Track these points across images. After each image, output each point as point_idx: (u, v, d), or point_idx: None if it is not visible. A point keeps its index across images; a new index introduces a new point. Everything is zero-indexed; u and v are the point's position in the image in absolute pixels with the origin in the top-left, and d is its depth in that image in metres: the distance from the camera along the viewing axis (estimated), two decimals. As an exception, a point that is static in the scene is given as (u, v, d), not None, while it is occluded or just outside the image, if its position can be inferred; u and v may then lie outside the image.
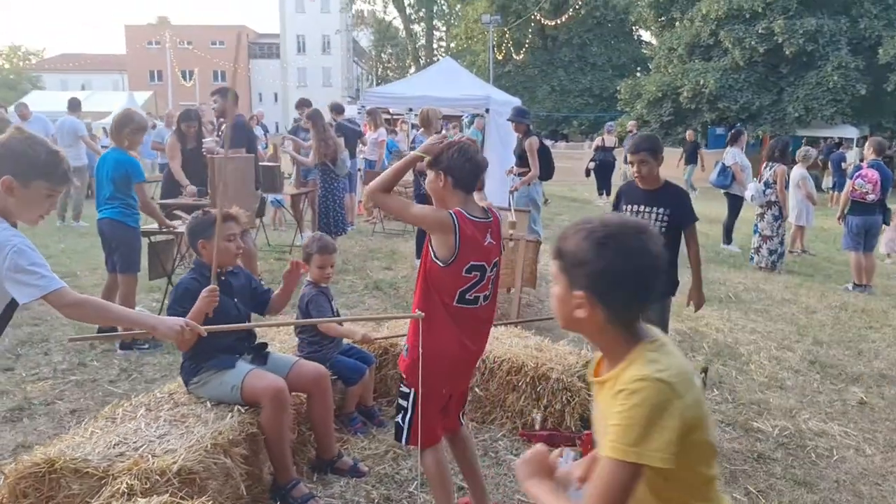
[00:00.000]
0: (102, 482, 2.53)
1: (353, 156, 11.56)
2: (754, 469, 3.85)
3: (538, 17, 33.47)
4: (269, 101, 62.30)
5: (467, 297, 2.77)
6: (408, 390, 2.84)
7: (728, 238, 11.02)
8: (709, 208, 15.82)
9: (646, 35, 39.93)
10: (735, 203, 10.70)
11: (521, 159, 8.04)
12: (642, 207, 4.12)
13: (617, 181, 17.07)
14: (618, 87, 30.57)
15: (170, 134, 8.30)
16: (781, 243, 9.36)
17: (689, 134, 19.13)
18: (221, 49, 61.37)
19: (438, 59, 40.04)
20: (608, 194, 16.70)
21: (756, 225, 9.65)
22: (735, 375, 5.31)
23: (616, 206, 4.36)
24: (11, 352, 5.10)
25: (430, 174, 2.81)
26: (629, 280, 1.53)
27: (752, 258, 9.66)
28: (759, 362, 5.63)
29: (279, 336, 4.29)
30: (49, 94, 41.36)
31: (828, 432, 4.38)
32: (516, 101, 13.98)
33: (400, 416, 2.90)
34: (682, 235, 4.14)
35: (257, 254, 6.26)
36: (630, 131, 17.04)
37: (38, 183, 2.36)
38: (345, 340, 4.09)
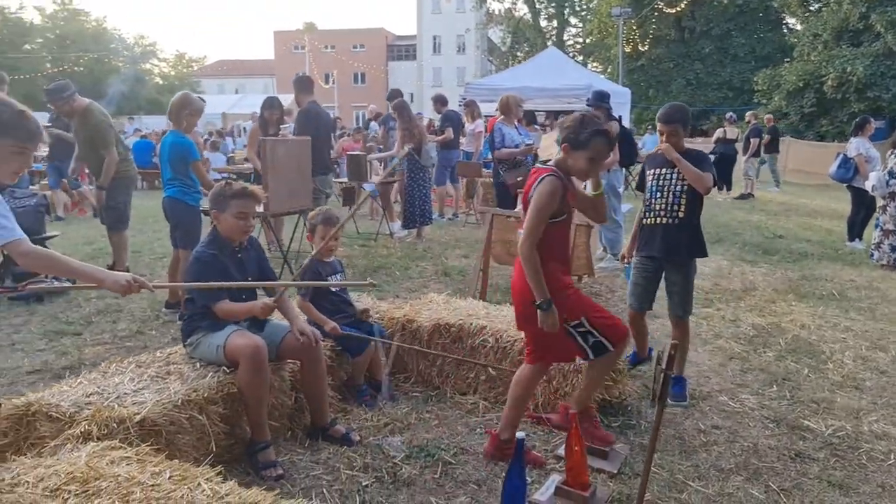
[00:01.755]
0: (66, 426, 2.69)
1: (457, 146, 11.63)
2: (785, 467, 3.50)
3: (660, 6, 32.16)
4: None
5: None
6: (579, 320, 3.28)
7: (852, 235, 10.09)
8: (835, 202, 14.62)
9: (794, 22, 37.37)
10: (860, 197, 9.80)
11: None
12: (664, 171, 4.25)
13: (738, 177, 16.11)
14: (755, 78, 28.81)
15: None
16: (906, 238, 8.46)
17: (767, 118, 17.81)
18: (361, 52, 63.69)
19: (572, 57, 39.49)
20: (728, 189, 15.78)
21: (878, 218, 8.79)
22: (806, 373, 4.85)
23: (641, 175, 4.53)
24: (86, 319, 5.55)
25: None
26: None
27: (871, 254, 8.81)
28: (839, 361, 5.11)
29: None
30: (206, 97, 44.66)
31: (891, 435, 3.91)
32: (623, 91, 13.53)
33: (593, 340, 3.31)
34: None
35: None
36: (748, 122, 15.98)
37: (4, 141, 2.54)
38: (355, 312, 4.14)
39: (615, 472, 3.37)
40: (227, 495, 2.18)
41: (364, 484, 3.16)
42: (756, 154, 15.64)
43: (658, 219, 4.27)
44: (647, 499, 3.11)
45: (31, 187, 9.35)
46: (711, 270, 8.00)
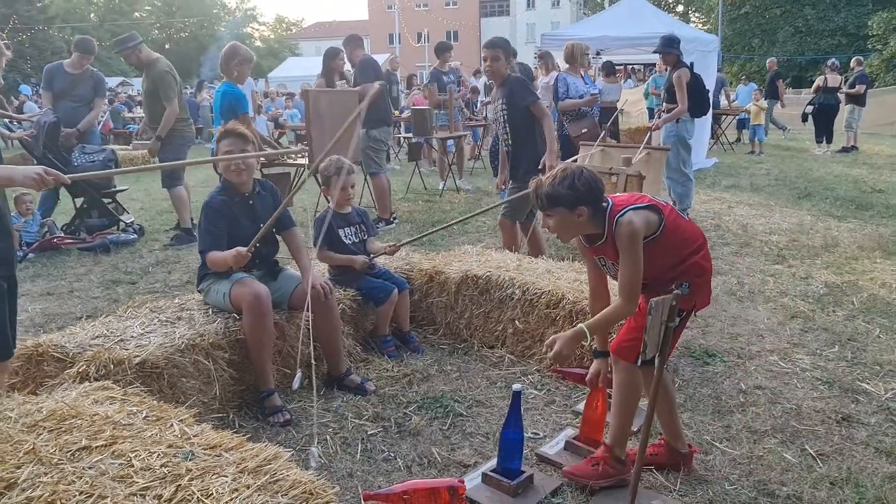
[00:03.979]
0: (68, 366, 2.77)
1: (524, 99, 11.34)
2: (828, 431, 3.21)
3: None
4: (498, 58, 62.71)
5: None
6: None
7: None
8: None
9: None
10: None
11: (670, 94, 7.32)
12: (495, 103, 5.05)
13: (839, 128, 15.00)
14: (869, 22, 26.61)
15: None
16: None
17: (769, 62, 16.52)
18: (454, 10, 62.96)
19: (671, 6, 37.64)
20: (829, 142, 14.71)
21: None
22: (877, 334, 4.46)
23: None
24: (144, 269, 5.75)
25: (564, 213, 2.56)
26: None
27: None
28: (919, 322, 4.68)
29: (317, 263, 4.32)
30: (304, 59, 45.44)
31: (960, 403, 3.54)
32: (709, 38, 12.76)
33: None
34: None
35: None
36: (853, 68, 14.75)
37: None
38: (379, 264, 4.08)
39: (634, 430, 3.19)
40: (195, 436, 2.17)
41: (369, 433, 3.12)
42: (860, 102, 14.47)
43: (505, 147, 5.14)
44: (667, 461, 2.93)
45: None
46: (790, 225, 7.48)
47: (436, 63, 10.29)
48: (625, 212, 2.54)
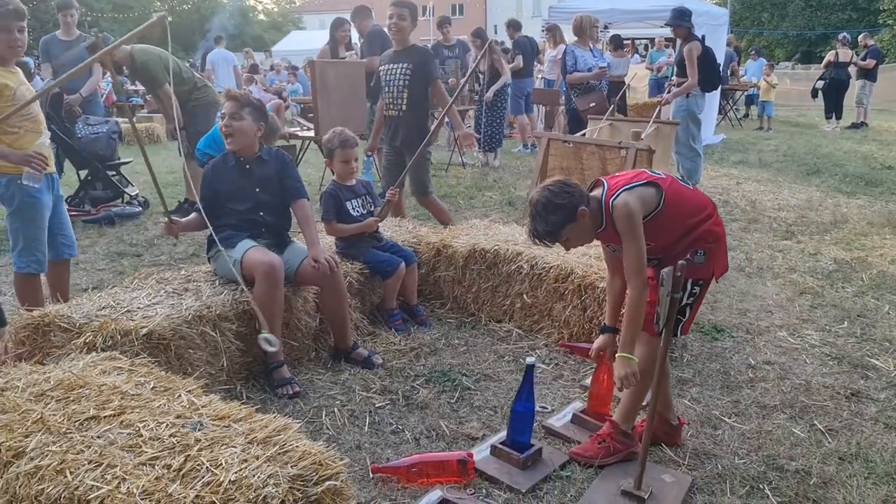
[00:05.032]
0: (75, 336, 2.75)
1: (529, 74, 11.23)
2: (837, 407, 3.20)
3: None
4: (504, 31, 62.20)
5: None
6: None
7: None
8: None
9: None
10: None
11: (681, 68, 7.21)
12: (391, 66, 4.94)
13: (849, 103, 14.83)
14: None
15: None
16: None
17: (729, 38, 14.89)
18: (459, -19, 62.15)
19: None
20: (839, 118, 14.55)
21: None
22: (886, 310, 4.43)
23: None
24: (149, 241, 5.73)
25: (572, 227, 2.51)
26: None
27: None
28: (930, 298, 4.65)
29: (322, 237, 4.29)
30: (308, 33, 44.97)
31: (970, 380, 3.52)
32: (719, 12, 12.58)
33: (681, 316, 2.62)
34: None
35: (280, 130, 5.92)
36: (863, 45, 14.55)
37: None
38: (387, 237, 4.05)
39: (643, 403, 3.18)
40: (203, 407, 2.16)
41: (377, 405, 3.11)
42: (870, 78, 14.30)
43: (390, 111, 5.05)
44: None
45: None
46: (799, 202, 7.43)
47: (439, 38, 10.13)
48: (618, 194, 2.48)
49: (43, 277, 3.77)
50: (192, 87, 6.35)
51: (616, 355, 2.56)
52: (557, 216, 2.47)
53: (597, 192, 2.58)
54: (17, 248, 3.55)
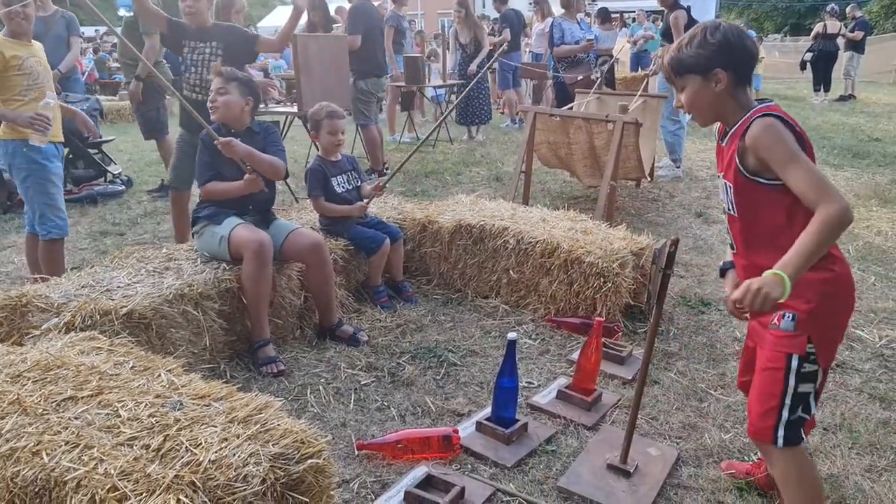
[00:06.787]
0: (53, 316, 2.71)
1: (517, 48, 11.12)
2: (821, 380, 3.21)
3: None
4: (490, 4, 61.60)
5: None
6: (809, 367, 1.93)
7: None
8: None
9: None
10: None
11: (667, 37, 7.15)
12: (198, 43, 4.27)
13: (838, 75, 14.81)
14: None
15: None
16: None
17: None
18: (446, -43, 61.42)
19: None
20: (826, 90, 14.54)
21: None
22: (872, 282, 4.44)
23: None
24: (132, 220, 5.67)
25: (696, 81, 1.94)
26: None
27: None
28: (913, 270, 4.66)
29: (305, 214, 4.25)
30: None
31: (954, 349, 3.54)
32: (709, -18, 12.47)
33: (798, 414, 1.95)
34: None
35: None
36: (851, 17, 14.50)
37: None
38: (372, 214, 4.01)
39: (629, 378, 3.18)
40: (183, 386, 2.13)
41: (363, 383, 3.10)
42: (858, 49, 14.26)
43: (194, 93, 4.32)
44: (664, 408, 2.93)
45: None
46: (787, 174, 7.41)
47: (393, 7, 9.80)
48: (773, 115, 1.84)
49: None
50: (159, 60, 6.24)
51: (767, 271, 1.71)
52: (693, 55, 1.92)
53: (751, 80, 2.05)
54: (37, 216, 3.73)
